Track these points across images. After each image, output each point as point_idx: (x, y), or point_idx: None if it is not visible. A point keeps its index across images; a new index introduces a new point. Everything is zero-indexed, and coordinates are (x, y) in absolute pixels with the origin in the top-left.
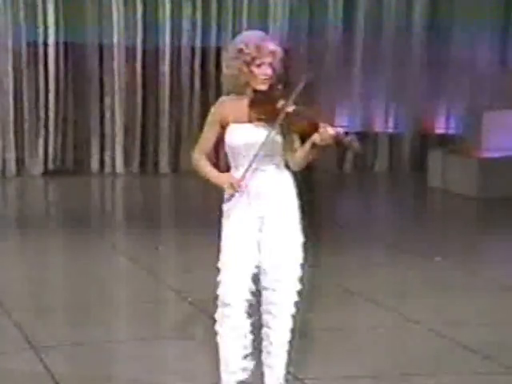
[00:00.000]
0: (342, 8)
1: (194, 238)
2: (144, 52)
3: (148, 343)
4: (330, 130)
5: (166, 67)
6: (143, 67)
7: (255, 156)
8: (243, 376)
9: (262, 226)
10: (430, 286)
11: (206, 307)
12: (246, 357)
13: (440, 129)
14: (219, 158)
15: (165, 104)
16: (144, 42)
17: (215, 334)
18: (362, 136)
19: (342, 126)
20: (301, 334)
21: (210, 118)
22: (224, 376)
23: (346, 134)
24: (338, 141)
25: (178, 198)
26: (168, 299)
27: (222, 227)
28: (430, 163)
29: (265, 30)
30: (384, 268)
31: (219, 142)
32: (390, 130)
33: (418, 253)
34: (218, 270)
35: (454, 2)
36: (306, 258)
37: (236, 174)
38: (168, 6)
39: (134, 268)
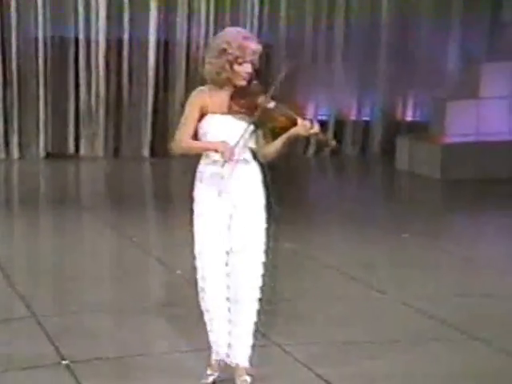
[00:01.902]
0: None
1: (183, 215)
2: (130, 41)
3: (138, 312)
4: (311, 127)
5: (151, 58)
6: (129, 57)
7: (237, 143)
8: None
9: (233, 213)
10: (397, 260)
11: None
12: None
13: (408, 117)
14: None
15: (149, 94)
16: (130, 32)
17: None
18: (339, 124)
19: (318, 120)
20: (277, 303)
21: (190, 104)
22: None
23: (322, 130)
24: (315, 137)
25: (164, 179)
26: (159, 272)
27: (193, 213)
28: (398, 148)
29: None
30: (355, 244)
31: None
32: (364, 118)
33: (386, 230)
34: (193, 257)
35: None
36: (268, 240)
37: (206, 161)
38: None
39: (127, 244)
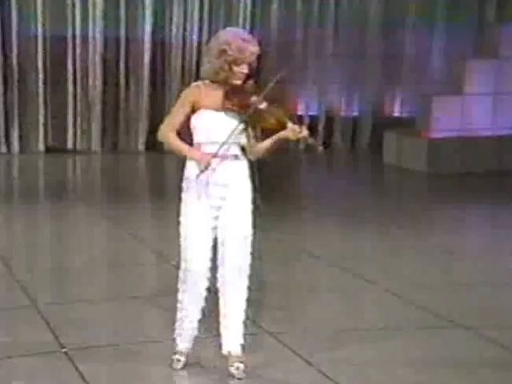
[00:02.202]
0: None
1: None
2: (127, 39)
3: (135, 301)
4: (300, 131)
5: (147, 56)
6: (126, 55)
7: (225, 142)
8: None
9: (221, 205)
10: (386, 251)
11: None
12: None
13: (396, 113)
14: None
15: (145, 91)
16: (127, 30)
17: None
18: (329, 119)
19: (308, 116)
20: (268, 292)
21: (183, 97)
22: (178, 341)
23: (311, 134)
24: (304, 141)
25: (159, 173)
26: (154, 263)
27: (181, 202)
28: (386, 143)
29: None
30: (344, 235)
31: (187, 121)
32: (353, 114)
33: (375, 222)
34: (179, 246)
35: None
36: (254, 232)
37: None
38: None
39: (123, 236)
